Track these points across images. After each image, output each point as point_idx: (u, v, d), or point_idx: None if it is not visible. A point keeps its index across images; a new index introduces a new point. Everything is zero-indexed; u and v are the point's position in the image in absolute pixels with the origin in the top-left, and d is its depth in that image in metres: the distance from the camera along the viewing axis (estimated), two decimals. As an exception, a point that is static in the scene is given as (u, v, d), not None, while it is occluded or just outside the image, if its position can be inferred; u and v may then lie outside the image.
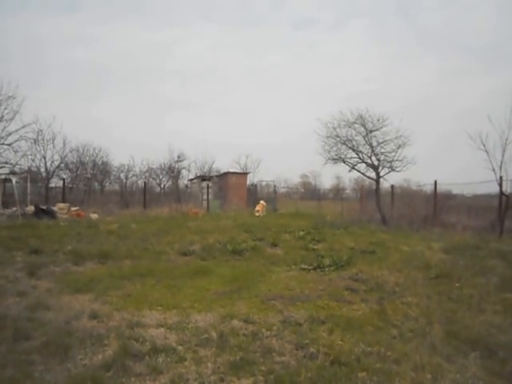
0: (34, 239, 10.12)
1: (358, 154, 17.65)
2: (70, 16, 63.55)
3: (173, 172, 36.53)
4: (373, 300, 5.99)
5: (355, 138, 17.68)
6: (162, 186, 37.15)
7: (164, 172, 37.27)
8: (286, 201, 30.30)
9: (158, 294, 6.18)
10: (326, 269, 7.99)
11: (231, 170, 32.15)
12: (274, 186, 29.84)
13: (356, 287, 6.68)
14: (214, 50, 71.46)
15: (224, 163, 39.16)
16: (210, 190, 25.50)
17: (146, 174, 36.12)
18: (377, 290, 6.54)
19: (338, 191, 37.77)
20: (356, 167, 17.94)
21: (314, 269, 8.03)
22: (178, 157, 37.60)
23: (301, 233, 12.29)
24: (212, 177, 30.57)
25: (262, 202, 21.10)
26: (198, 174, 33.76)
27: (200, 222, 15.17)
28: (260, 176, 40.93)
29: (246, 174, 32.80)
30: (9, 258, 8.15)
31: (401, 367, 3.78)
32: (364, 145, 17.58)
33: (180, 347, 4.13)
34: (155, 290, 6.44)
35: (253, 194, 28.13)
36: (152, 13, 69.91)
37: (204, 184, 27.24)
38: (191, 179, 33.50)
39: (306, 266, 8.15)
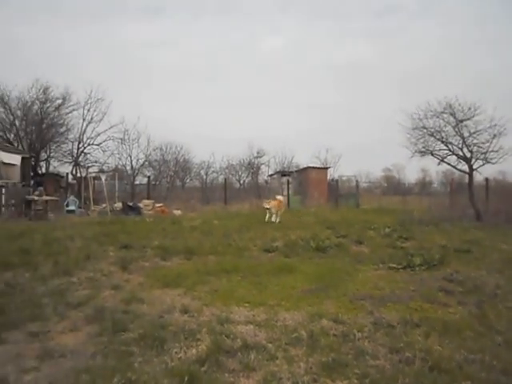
0: (124, 235, 10.63)
1: (447, 146, 16.67)
2: (152, 19, 66.07)
3: (252, 168, 37.02)
4: (471, 303, 5.60)
5: (444, 128, 16.70)
6: (242, 181, 37.77)
7: (243, 168, 37.86)
8: (368, 196, 29.56)
9: (244, 290, 6.22)
10: (417, 268, 7.64)
11: (311, 165, 31.90)
12: (356, 180, 29.17)
13: (451, 288, 6.31)
14: (293, 43, 71.08)
15: (304, 158, 39.10)
16: (289, 186, 25.45)
17: (226, 171, 36.92)
18: (475, 292, 6.12)
19: (424, 185, 36.24)
20: (446, 160, 16.98)
21: (404, 268, 7.70)
22: (258, 152, 38.05)
23: (386, 230, 11.90)
24: (292, 172, 30.49)
25: (278, 197, 15.60)
26: (278, 170, 33.88)
27: (281, 218, 15.16)
28: (341, 171, 40.36)
29: (327, 168, 32.40)
30: (102, 253, 8.60)
31: (510, 379, 3.49)
32: (454, 136, 16.55)
33: (270, 345, 4.11)
34: (241, 286, 6.48)
35: (334, 189, 27.70)
36: (228, 11, 70.95)
37: (284, 179, 27.27)
38: (271, 175, 33.69)
39: (394, 265, 7.84)
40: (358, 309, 5.37)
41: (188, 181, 37.10)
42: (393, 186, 40.13)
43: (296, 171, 31.18)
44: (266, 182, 33.67)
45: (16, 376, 3.50)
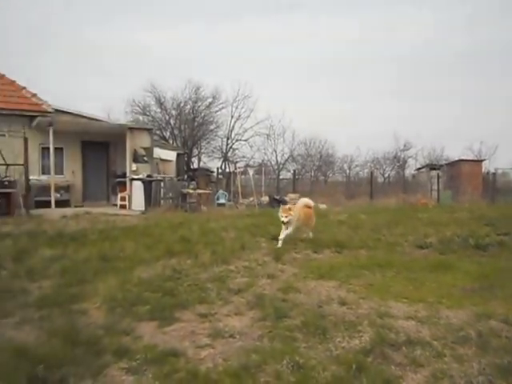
0: (273, 227, 10.88)
1: None
2: (291, 14, 66.69)
3: (398, 161, 35.80)
4: None
5: None
6: (386, 175, 36.75)
7: (388, 161, 36.79)
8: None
9: (400, 285, 6.08)
10: None
11: (463, 158, 29.82)
12: (516, 173, 26.50)
13: None
14: (431, 30, 66.54)
15: (455, 151, 36.67)
16: (439, 180, 24.10)
17: (370, 164, 36.21)
18: None
19: None
20: None
21: None
22: (404, 145, 36.72)
23: (558, 228, 10.63)
24: (442, 165, 28.81)
25: (304, 200, 10.00)
26: (426, 163, 32.27)
27: (431, 213, 14.45)
28: (497, 163, 36.93)
29: (481, 161, 30.01)
30: (254, 244, 8.96)
31: None
32: None
33: (435, 342, 3.98)
34: (396, 281, 6.35)
35: (489, 184, 25.52)
36: (359, 4, 68.65)
37: (433, 173, 25.88)
38: (418, 168, 32.21)
39: None
40: (532, 312, 4.92)
41: (330, 175, 37.27)
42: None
43: (446, 164, 29.37)
44: (414, 176, 32.29)
45: (194, 351, 3.87)
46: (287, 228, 8.73)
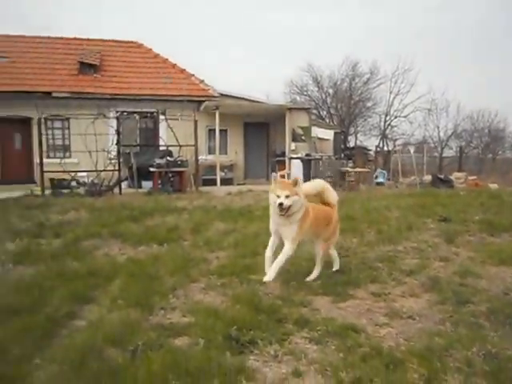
0: (439, 207, 10.25)
1: None
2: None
3: None
4: None
5: None
6: None
7: None
8: None
9: None
10: None
11: None
12: None
13: None
14: None
15: None
16: None
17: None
18: None
19: None
20: None
21: None
22: None
23: None
24: None
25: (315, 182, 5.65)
26: None
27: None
28: None
29: None
30: (421, 224, 8.50)
31: None
32: None
33: None
34: None
35: None
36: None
37: None
38: None
39: None
40: None
41: (500, 152, 33.71)
42: None
43: None
44: None
45: (373, 328, 3.85)
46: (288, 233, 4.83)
